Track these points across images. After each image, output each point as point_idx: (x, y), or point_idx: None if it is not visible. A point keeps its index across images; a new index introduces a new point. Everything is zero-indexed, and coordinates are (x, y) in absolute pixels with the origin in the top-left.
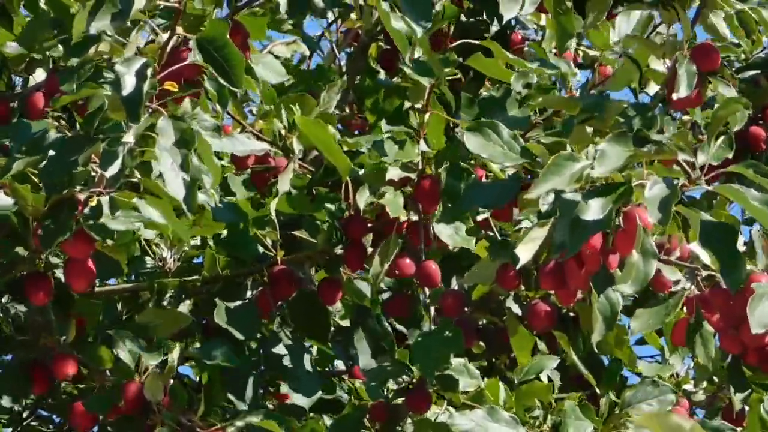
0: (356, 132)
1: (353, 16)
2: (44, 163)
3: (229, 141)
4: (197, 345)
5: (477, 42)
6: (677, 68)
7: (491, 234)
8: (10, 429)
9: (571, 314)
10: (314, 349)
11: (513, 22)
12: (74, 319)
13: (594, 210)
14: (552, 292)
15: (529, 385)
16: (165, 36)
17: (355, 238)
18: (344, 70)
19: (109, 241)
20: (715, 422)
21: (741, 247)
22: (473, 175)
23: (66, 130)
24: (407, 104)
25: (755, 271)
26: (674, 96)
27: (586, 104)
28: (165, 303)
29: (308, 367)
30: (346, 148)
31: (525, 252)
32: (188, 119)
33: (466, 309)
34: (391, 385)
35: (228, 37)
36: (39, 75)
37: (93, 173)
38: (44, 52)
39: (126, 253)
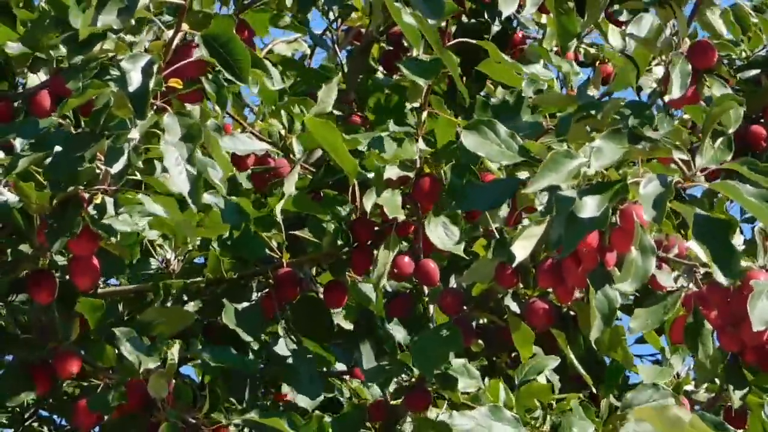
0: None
1: (355, 15)
2: (49, 160)
3: (231, 140)
4: (198, 346)
5: (474, 41)
6: (670, 69)
7: (490, 231)
8: (12, 429)
9: (571, 313)
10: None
11: (514, 22)
12: (78, 317)
13: (590, 207)
14: (550, 289)
15: (529, 386)
16: (170, 33)
17: (362, 240)
18: (345, 68)
19: (113, 239)
20: (714, 417)
21: (740, 245)
22: (477, 176)
23: (71, 127)
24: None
25: (753, 268)
26: (666, 98)
27: (583, 102)
28: (169, 304)
29: (311, 370)
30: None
31: (521, 249)
32: (196, 116)
33: (465, 308)
34: (391, 384)
35: (234, 32)
36: (34, 78)
37: (98, 170)
38: (48, 51)
39: (130, 251)
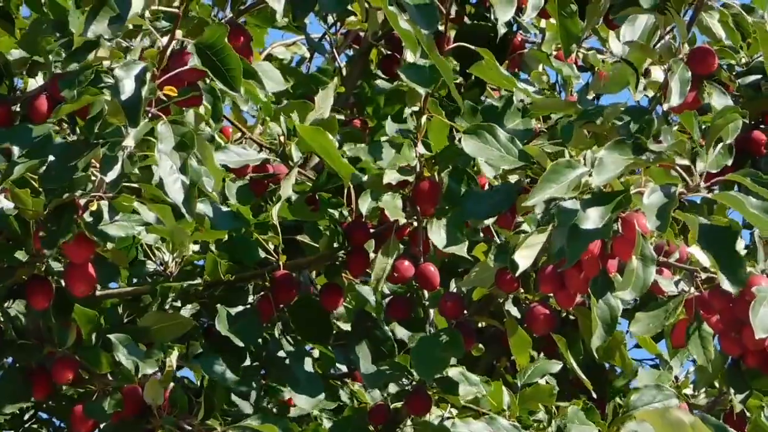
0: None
1: (353, 18)
2: (45, 167)
3: (224, 154)
4: (199, 350)
5: (472, 47)
6: (669, 76)
7: (491, 237)
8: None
9: (571, 317)
10: (316, 353)
11: (515, 27)
12: (74, 323)
13: (593, 219)
14: (551, 295)
15: (533, 389)
16: (164, 40)
17: (358, 243)
18: (344, 73)
19: (110, 245)
20: (716, 420)
21: (742, 250)
22: (475, 180)
23: (68, 134)
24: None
25: (754, 274)
26: (665, 106)
27: (584, 108)
28: (167, 307)
29: (310, 370)
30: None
31: (524, 259)
32: (190, 121)
33: (465, 312)
34: (392, 388)
35: (226, 41)
36: (32, 82)
37: (93, 177)
38: (46, 55)
39: (126, 258)
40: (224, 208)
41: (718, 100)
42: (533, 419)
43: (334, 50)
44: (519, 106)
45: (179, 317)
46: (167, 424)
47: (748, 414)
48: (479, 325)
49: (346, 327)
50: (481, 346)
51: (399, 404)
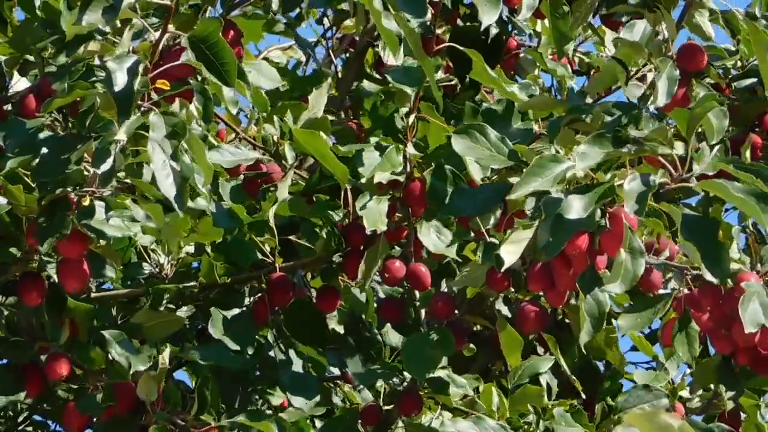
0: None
1: (349, 22)
2: (37, 162)
3: (217, 153)
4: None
5: (462, 48)
6: (656, 75)
7: (481, 236)
8: None
9: (567, 321)
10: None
11: (510, 27)
12: (68, 320)
13: (576, 209)
14: (541, 293)
15: (522, 390)
16: (157, 34)
17: (355, 245)
18: (340, 75)
19: (102, 241)
20: (704, 424)
21: (736, 253)
22: (461, 178)
23: (59, 129)
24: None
25: (743, 270)
26: (651, 106)
27: (572, 106)
28: (162, 309)
29: (304, 371)
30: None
31: (509, 254)
32: (182, 114)
33: (456, 312)
34: (383, 389)
35: (220, 35)
36: (23, 81)
37: (86, 172)
38: (37, 53)
39: (121, 255)
40: (223, 205)
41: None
42: (524, 421)
43: (331, 53)
44: (520, 108)
45: (171, 315)
46: (161, 420)
47: (743, 415)
48: (475, 328)
49: (340, 329)
50: (472, 345)
51: (390, 405)
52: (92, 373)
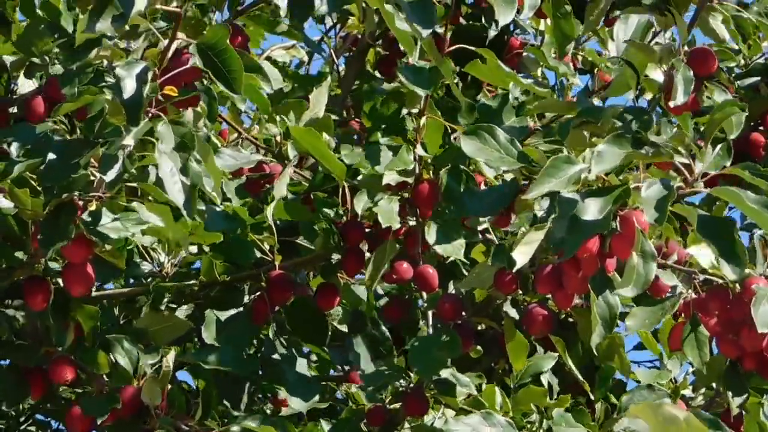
0: (354, 137)
1: (352, 20)
2: (44, 166)
3: (219, 158)
4: (194, 351)
5: (473, 48)
6: (674, 75)
7: (489, 238)
8: None
9: (571, 320)
10: (313, 355)
11: (512, 26)
12: (73, 324)
13: (592, 210)
14: (549, 296)
15: (525, 390)
16: (165, 41)
17: (353, 243)
18: (341, 74)
19: (108, 246)
20: (709, 415)
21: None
22: (473, 179)
23: (66, 133)
24: (405, 108)
25: (753, 275)
26: (671, 104)
27: (582, 108)
28: (162, 308)
29: (305, 371)
30: (343, 154)
31: (521, 255)
32: (189, 120)
33: (463, 314)
34: (389, 389)
35: (228, 42)
36: (29, 84)
37: (93, 177)
38: (43, 56)
39: (120, 254)
40: (217, 209)
41: (719, 97)
42: (527, 420)
43: (333, 53)
44: (514, 104)
45: (175, 319)
46: (165, 425)
47: (745, 412)
48: (478, 327)
49: (343, 328)
50: (479, 348)
51: (396, 406)
52: (96, 377)
